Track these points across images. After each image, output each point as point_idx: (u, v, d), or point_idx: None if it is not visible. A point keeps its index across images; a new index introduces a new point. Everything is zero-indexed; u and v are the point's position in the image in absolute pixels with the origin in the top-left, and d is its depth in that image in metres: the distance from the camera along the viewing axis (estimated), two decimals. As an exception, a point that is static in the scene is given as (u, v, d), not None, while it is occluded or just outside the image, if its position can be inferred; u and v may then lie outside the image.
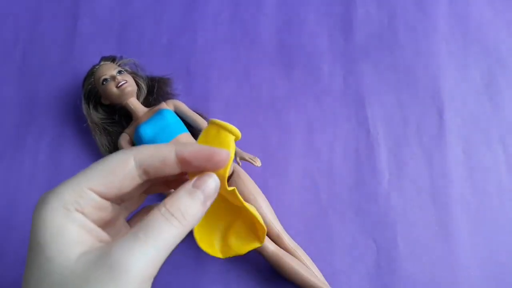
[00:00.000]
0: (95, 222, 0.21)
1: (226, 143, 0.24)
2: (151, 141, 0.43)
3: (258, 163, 0.41)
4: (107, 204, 0.22)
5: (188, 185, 0.22)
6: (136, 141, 0.44)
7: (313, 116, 0.48)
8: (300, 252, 0.40)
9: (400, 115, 0.48)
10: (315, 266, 0.40)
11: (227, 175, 0.23)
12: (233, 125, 0.24)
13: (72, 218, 0.20)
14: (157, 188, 0.26)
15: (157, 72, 0.49)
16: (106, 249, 0.19)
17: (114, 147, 0.45)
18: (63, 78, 0.50)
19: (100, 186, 0.21)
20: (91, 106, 0.46)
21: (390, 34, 0.51)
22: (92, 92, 0.46)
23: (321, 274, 0.40)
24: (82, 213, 0.20)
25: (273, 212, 0.41)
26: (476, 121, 0.48)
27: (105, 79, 0.44)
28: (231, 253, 0.27)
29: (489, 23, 0.52)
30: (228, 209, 0.26)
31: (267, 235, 0.40)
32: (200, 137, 0.25)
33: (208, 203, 0.22)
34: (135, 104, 0.45)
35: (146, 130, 0.43)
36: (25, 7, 0.54)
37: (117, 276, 0.18)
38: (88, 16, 0.53)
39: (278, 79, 0.49)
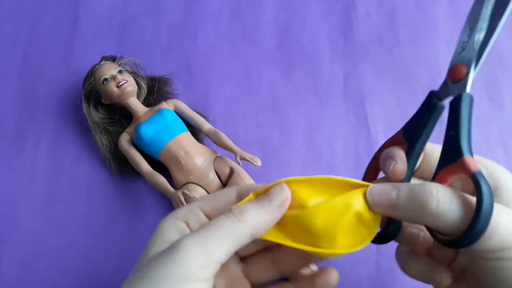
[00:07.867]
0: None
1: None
2: (151, 141, 0.43)
3: (258, 162, 0.41)
4: None
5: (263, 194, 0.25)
6: (136, 141, 0.44)
7: (313, 116, 0.48)
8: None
9: (400, 114, 0.48)
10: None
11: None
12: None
13: (176, 225, 0.24)
14: None
15: (157, 72, 0.49)
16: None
17: (115, 147, 0.45)
18: (63, 78, 0.50)
19: (207, 207, 0.25)
20: (91, 106, 0.46)
21: (390, 34, 0.51)
22: (93, 91, 0.46)
23: (321, 274, 0.40)
24: (187, 223, 0.25)
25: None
26: (476, 121, 0.47)
27: (106, 79, 0.44)
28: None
29: (489, 23, 0.52)
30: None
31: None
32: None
33: (276, 213, 0.24)
34: (136, 104, 0.45)
35: (147, 130, 0.43)
36: (25, 7, 0.54)
37: (172, 255, 0.21)
38: (88, 16, 0.53)
39: (278, 79, 0.49)
